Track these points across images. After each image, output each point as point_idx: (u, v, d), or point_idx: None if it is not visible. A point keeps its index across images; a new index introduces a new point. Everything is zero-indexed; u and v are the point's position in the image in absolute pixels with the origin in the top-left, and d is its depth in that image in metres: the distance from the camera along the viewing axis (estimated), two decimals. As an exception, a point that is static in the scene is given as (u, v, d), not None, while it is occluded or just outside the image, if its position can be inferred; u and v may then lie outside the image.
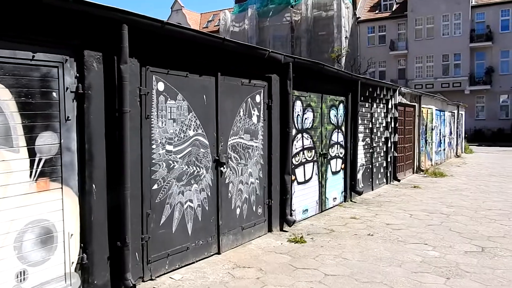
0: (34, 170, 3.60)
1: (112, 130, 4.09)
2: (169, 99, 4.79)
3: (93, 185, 3.98)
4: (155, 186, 4.67)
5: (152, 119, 4.60)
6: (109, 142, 4.09)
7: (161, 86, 4.68)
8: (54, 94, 3.71)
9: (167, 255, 4.82)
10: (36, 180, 3.61)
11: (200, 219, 5.30)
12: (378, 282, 4.78)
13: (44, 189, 3.67)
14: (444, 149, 19.47)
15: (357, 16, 40.65)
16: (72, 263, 3.91)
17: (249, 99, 6.12)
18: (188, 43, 4.85)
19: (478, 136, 34.76)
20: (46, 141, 3.67)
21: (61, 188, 3.80)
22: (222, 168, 5.60)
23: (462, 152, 24.04)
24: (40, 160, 3.64)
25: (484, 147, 29.43)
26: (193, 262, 5.24)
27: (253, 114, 6.21)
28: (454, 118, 21.73)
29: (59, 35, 3.68)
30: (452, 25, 36.73)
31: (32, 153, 3.58)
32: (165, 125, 4.76)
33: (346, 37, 38.98)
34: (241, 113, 5.97)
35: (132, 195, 4.23)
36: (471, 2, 36.28)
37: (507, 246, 6.15)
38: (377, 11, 40.87)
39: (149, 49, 4.50)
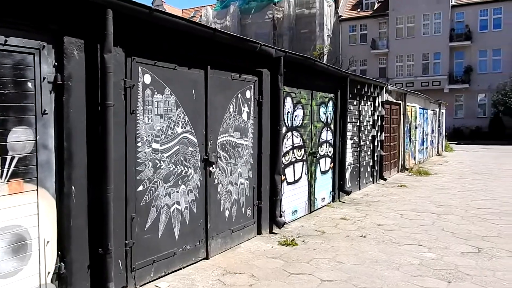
0: (5, 170, 3.20)
1: (94, 126, 3.72)
2: (156, 93, 4.43)
3: (73, 187, 3.59)
4: (140, 188, 4.31)
5: (138, 115, 4.23)
6: (91, 139, 3.71)
7: (147, 78, 4.32)
8: (29, 84, 3.31)
9: (152, 262, 4.47)
10: (7, 181, 3.21)
11: (187, 222, 4.96)
12: (378, 287, 4.54)
13: (17, 191, 3.28)
14: (427, 148, 19.54)
15: (339, 15, 40.72)
16: (48, 273, 3.53)
17: (239, 94, 5.80)
18: (177, 33, 4.49)
19: (457, 134, 35.25)
20: (20, 137, 3.27)
21: (37, 190, 3.41)
22: (211, 168, 5.27)
23: (443, 151, 24.25)
24: (12, 158, 3.24)
25: (463, 145, 29.85)
26: (181, 269, 4.90)
27: (243, 110, 5.89)
28: (436, 116, 21.87)
29: (35, 18, 3.28)
30: (432, 24, 37.14)
31: (3, 150, 3.18)
32: (151, 121, 4.40)
33: (328, 35, 39.00)
34: (231, 110, 5.64)
35: (115, 197, 3.86)
36: (451, 2, 36.78)
37: (502, 246, 6.01)
38: (358, 10, 41.04)
39: (135, 38, 4.13)
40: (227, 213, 5.67)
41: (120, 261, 4.05)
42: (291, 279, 4.76)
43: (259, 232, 6.41)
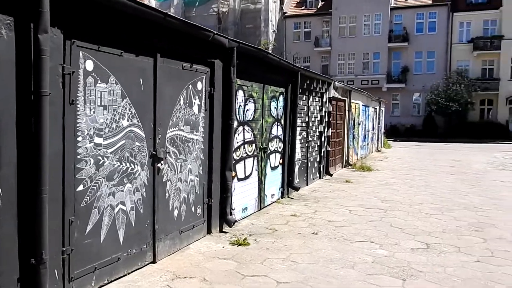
0: None
1: (26, 118, 3.22)
2: (99, 81, 3.96)
3: (-1, 188, 3.09)
4: (80, 187, 3.84)
5: (78, 105, 3.75)
6: (22, 132, 3.21)
7: (89, 65, 3.84)
8: None
9: (94, 269, 4.02)
10: None
11: (133, 224, 4.54)
12: (335, 288, 4.41)
13: None
14: (368, 144, 20.11)
15: (284, 11, 40.98)
16: (-31, 289, 3.01)
17: (191, 86, 5.43)
18: (124, 15, 4.04)
19: (393, 132, 36.75)
20: None
21: (-47, 192, 2.89)
22: (159, 165, 4.87)
23: (382, 147, 25.13)
24: None
25: (399, 142, 31.16)
26: (126, 275, 4.48)
27: (194, 103, 5.54)
28: (376, 113, 22.58)
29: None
30: (372, 25, 38.44)
31: None
32: (93, 113, 3.93)
33: (273, 31, 39.15)
34: (182, 102, 5.27)
35: (51, 199, 3.38)
36: (391, 4, 38.21)
37: (449, 242, 6.14)
38: (303, 7, 41.55)
39: (76, 18, 3.63)
40: (176, 212, 5.31)
41: (56, 271, 3.58)
42: (245, 282, 4.52)
43: (209, 232, 6.11)
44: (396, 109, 39.94)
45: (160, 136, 4.86)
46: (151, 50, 4.61)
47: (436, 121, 36.84)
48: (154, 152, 4.76)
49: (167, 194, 5.09)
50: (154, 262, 4.88)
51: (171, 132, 5.09)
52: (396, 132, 36.96)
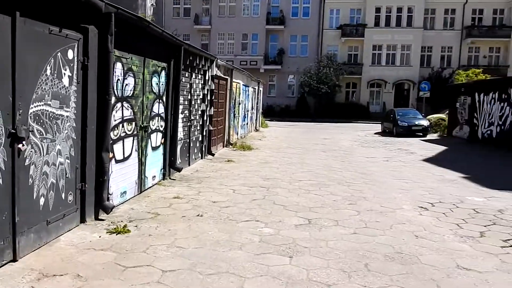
0: None
1: None
2: None
3: None
4: None
5: None
6: None
7: None
8: None
9: None
10: None
11: (-13, 217, 3.78)
12: (225, 272, 4.24)
13: None
14: (247, 124, 20.48)
15: (162, -16, 39.24)
16: None
17: (59, 54, 4.66)
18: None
19: (269, 112, 38.18)
20: None
21: None
22: (20, 145, 4.11)
23: (260, 127, 25.90)
24: None
25: (276, 122, 32.52)
26: (-23, 279, 3.72)
27: (64, 74, 4.79)
28: (255, 94, 23.07)
29: None
30: (252, 6, 39.01)
31: None
32: None
33: (152, 5, 37.18)
34: (48, 72, 4.50)
35: None
36: (269, -14, 39.13)
37: (328, 216, 6.44)
38: (182, -18, 40.27)
39: None
40: (42, 201, 4.59)
41: None
42: (127, 274, 4.10)
43: (83, 220, 5.46)
44: (273, 90, 41.51)
45: (21, 111, 4.08)
46: (7, 7, 3.78)
47: (308, 102, 39.23)
48: (13, 131, 3.98)
49: (30, 180, 4.35)
50: (14, 260, 4.15)
51: (35, 107, 4.32)
52: (272, 112, 38.45)
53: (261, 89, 25.74)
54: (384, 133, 24.93)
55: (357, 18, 40.05)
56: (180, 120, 9.18)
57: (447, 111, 24.53)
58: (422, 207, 7.14)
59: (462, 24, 39.36)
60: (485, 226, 6.12)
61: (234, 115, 16.30)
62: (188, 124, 10.06)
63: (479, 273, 4.35)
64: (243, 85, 17.80)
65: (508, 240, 5.50)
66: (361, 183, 9.24)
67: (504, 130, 17.08)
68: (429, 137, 22.55)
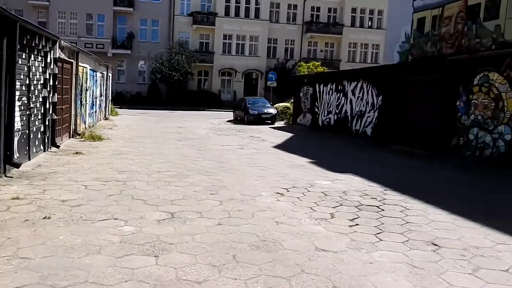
0: None
1: None
2: None
3: None
4: None
5: None
6: None
7: None
8: None
9: None
10: None
11: None
12: (83, 282, 3.76)
13: None
14: (96, 112, 19.03)
15: None
16: None
17: None
18: None
19: (119, 99, 36.14)
20: None
21: None
22: None
23: (110, 115, 24.34)
24: None
25: (126, 110, 30.93)
26: None
27: None
28: (104, 79, 21.54)
29: None
30: (95, -17, 36.05)
31: None
32: None
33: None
34: None
35: None
36: (115, -36, 36.63)
37: (191, 208, 6.29)
38: None
39: None
40: None
41: None
42: (-45, 300, 3.36)
43: None
44: (122, 76, 39.45)
45: None
46: None
47: (160, 89, 38.35)
48: None
49: None
50: None
51: None
52: (122, 99, 36.50)
53: (110, 74, 24.13)
54: (236, 121, 25.80)
55: (208, 6, 40.38)
56: (17, 109, 7.95)
57: (292, 100, 26.54)
58: (278, 193, 7.51)
59: (302, 20, 42.88)
60: (333, 207, 6.72)
61: (81, 102, 14.92)
62: (27, 113, 8.80)
63: (334, 253, 4.72)
64: (90, 69, 16.38)
65: (354, 219, 6.13)
66: (220, 171, 9.33)
67: (340, 118, 19.21)
68: (276, 124, 24.13)
